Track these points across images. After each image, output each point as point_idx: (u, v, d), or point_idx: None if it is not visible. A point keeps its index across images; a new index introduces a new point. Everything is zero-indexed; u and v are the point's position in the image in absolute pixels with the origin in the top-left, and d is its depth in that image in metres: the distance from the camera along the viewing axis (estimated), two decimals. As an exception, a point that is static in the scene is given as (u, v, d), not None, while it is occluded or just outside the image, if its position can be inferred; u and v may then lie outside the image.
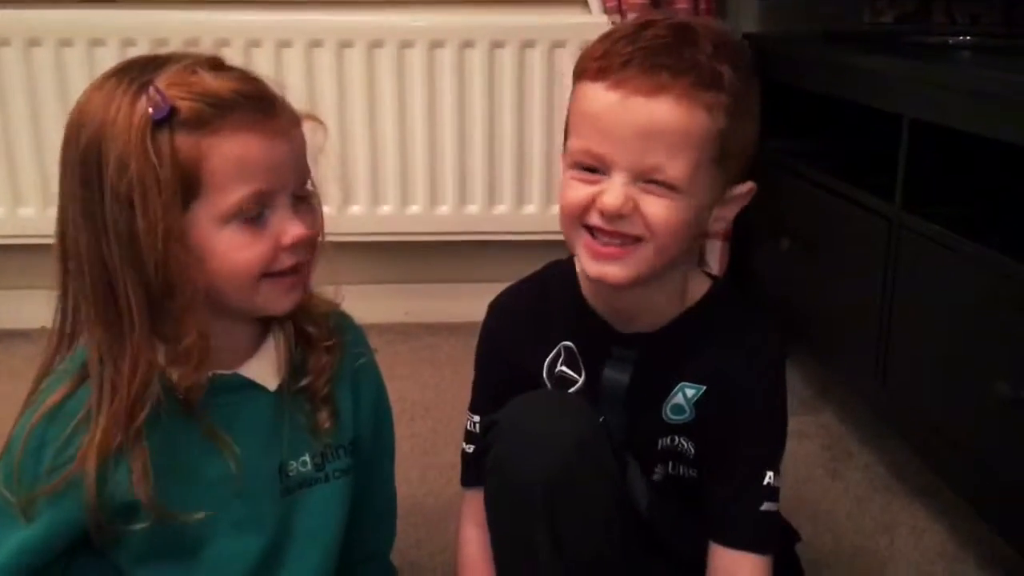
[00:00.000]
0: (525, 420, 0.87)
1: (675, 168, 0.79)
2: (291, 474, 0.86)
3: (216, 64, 0.78)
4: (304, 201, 0.81)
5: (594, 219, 0.82)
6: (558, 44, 1.81)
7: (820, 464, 1.45)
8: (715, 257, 1.86)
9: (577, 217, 0.83)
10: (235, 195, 0.75)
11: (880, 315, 1.31)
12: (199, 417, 0.80)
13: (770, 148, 1.64)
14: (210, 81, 0.75)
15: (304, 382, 0.86)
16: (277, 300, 0.81)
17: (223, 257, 0.77)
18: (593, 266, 0.84)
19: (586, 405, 0.89)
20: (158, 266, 0.74)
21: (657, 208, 0.80)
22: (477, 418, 0.98)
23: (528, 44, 1.83)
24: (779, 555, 0.93)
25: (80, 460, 0.77)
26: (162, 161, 0.73)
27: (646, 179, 0.80)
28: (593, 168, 0.82)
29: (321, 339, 0.87)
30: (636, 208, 0.80)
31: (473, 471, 0.98)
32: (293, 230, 0.78)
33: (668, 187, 0.80)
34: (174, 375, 0.79)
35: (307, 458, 0.88)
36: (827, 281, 1.50)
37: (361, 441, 0.93)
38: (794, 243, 1.54)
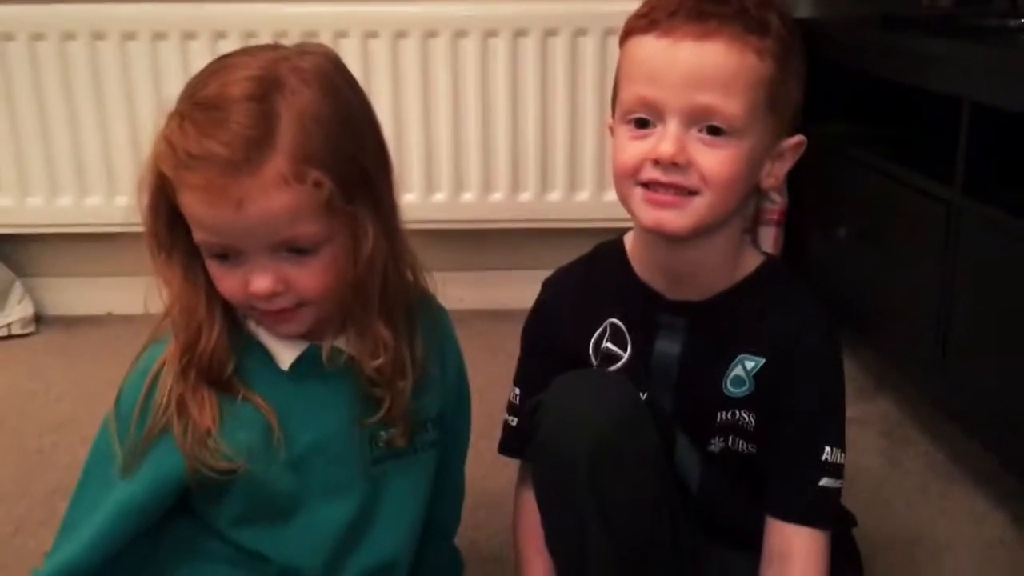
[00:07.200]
0: (566, 400, 0.87)
1: (730, 107, 0.80)
2: (381, 444, 0.88)
3: (214, 104, 0.76)
4: (300, 254, 0.79)
5: (648, 173, 0.82)
6: (611, 32, 1.81)
7: (878, 452, 1.44)
8: (769, 244, 1.84)
9: (631, 175, 0.84)
10: (197, 235, 0.80)
11: (939, 301, 1.29)
12: (228, 389, 0.82)
13: (826, 133, 1.63)
14: (188, 130, 0.75)
15: (375, 417, 0.86)
16: (273, 328, 0.84)
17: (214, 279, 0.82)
18: (649, 214, 0.84)
19: (628, 383, 0.89)
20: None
21: (712, 160, 0.81)
22: (518, 391, 1.00)
23: (580, 32, 1.84)
24: (836, 539, 0.92)
25: (164, 406, 0.81)
26: (162, 180, 0.78)
27: (700, 125, 0.81)
28: (645, 121, 0.83)
29: (388, 379, 0.86)
30: (691, 161, 0.81)
31: (512, 441, 1.01)
32: (255, 283, 0.78)
33: (723, 132, 0.81)
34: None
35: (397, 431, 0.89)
36: (885, 268, 1.49)
37: (445, 415, 0.95)
38: (851, 230, 1.53)
